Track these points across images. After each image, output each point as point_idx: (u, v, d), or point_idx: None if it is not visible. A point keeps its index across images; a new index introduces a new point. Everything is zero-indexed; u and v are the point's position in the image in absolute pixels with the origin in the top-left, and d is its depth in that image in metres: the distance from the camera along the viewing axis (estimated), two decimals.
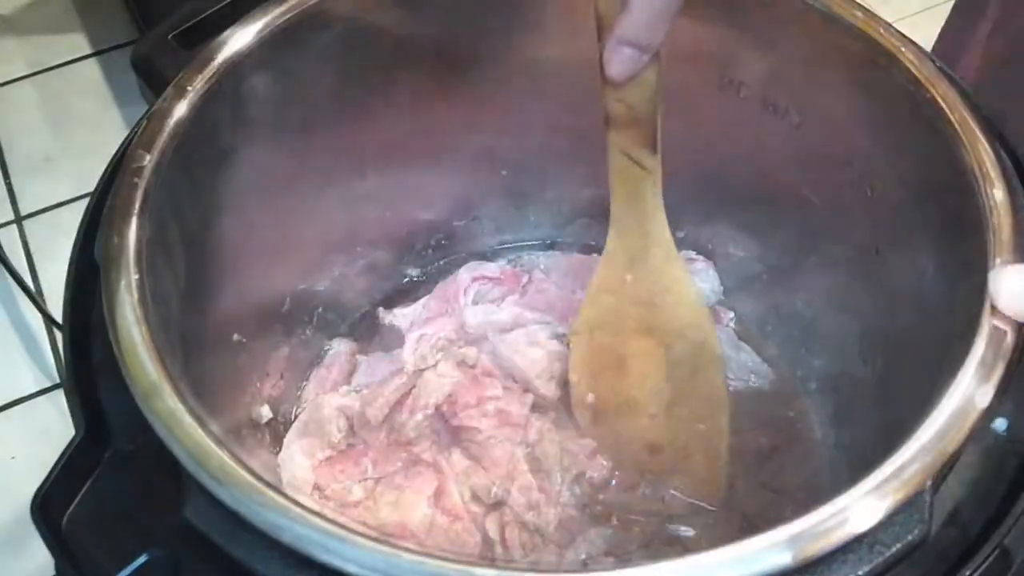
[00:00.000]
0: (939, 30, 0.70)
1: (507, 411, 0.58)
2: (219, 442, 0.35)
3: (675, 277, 0.54)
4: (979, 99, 0.45)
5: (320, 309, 0.64)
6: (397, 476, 0.58)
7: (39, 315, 0.79)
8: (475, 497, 0.56)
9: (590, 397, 0.57)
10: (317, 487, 0.58)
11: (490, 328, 0.64)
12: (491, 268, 0.67)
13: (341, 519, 0.33)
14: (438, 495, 0.56)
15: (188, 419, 0.36)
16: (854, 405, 0.57)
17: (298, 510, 0.33)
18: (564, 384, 0.60)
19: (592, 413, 0.58)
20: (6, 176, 0.91)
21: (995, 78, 0.62)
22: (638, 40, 0.42)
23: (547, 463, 0.57)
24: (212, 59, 0.47)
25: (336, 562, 0.32)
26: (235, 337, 0.54)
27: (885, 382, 0.52)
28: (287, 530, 0.33)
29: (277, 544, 0.33)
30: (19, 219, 0.88)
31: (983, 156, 0.42)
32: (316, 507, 0.34)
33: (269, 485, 0.34)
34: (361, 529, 0.33)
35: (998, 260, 0.39)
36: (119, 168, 0.44)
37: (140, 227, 0.41)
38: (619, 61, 0.43)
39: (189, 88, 0.46)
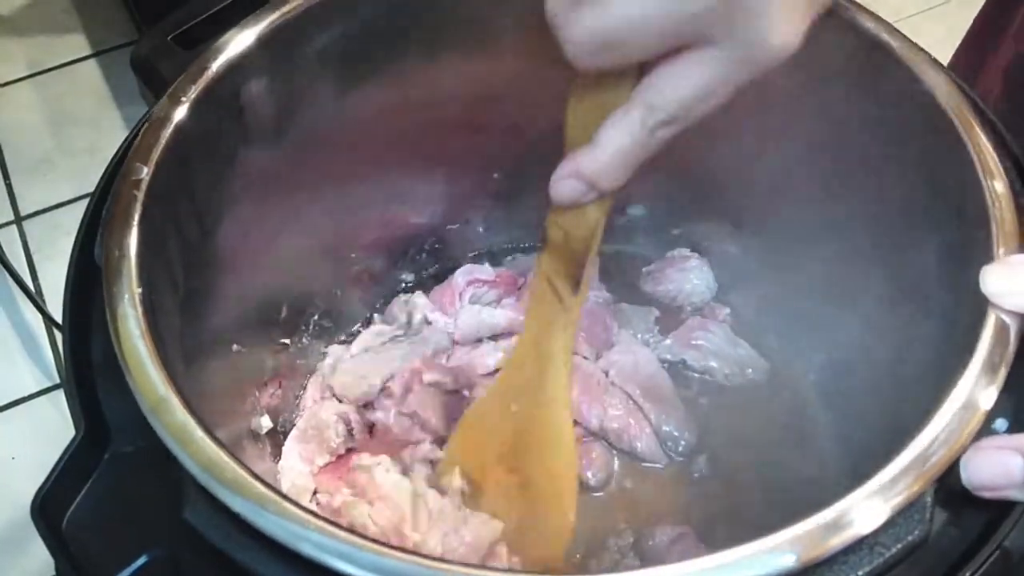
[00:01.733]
0: (951, 51, 0.70)
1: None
2: (231, 454, 0.35)
3: (557, 426, 0.50)
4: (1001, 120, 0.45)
5: (316, 316, 0.64)
6: None
7: (39, 315, 0.80)
8: None
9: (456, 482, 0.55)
10: (317, 494, 0.58)
11: (484, 330, 0.64)
12: (486, 271, 0.67)
13: (356, 528, 0.33)
14: None
15: (199, 432, 0.36)
16: (854, 399, 0.57)
17: (315, 519, 0.33)
18: None
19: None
20: (6, 176, 0.91)
21: (1017, 100, 0.62)
22: (593, 179, 0.38)
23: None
24: (206, 67, 0.47)
25: (352, 570, 0.32)
26: (234, 347, 0.54)
27: (886, 376, 0.52)
28: (305, 539, 0.33)
29: (278, 547, 0.33)
30: (19, 219, 0.88)
31: (983, 149, 0.43)
32: (326, 516, 0.34)
33: (283, 495, 0.34)
34: (376, 538, 0.33)
35: (1001, 251, 0.39)
36: (117, 176, 0.44)
37: (140, 239, 0.41)
38: (566, 188, 0.39)
39: (183, 98, 0.46)
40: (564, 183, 0.39)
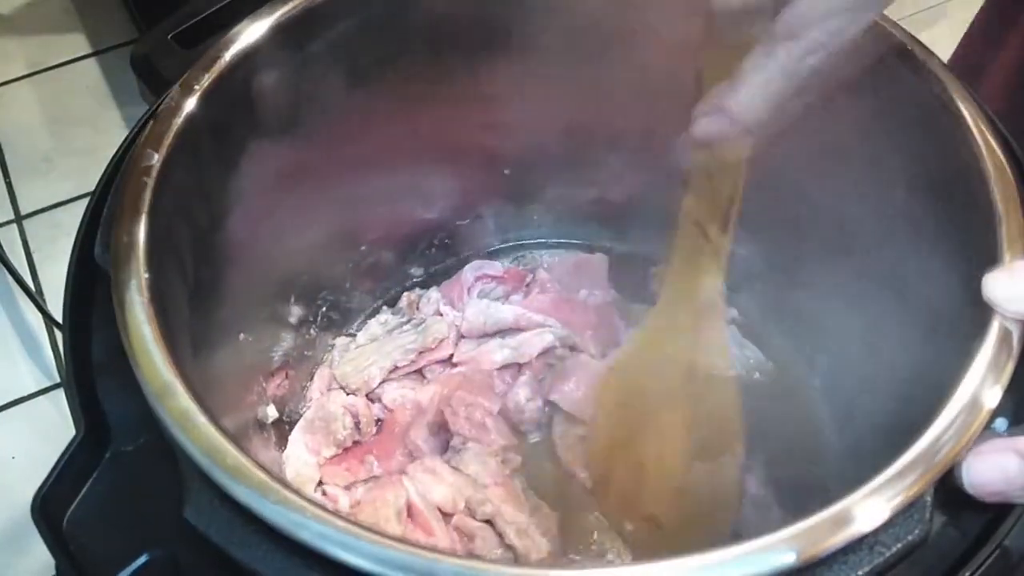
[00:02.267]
0: (952, 50, 0.70)
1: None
2: (233, 441, 0.35)
3: (718, 362, 0.50)
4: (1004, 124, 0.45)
5: (324, 308, 0.64)
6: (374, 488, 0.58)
7: (39, 315, 0.79)
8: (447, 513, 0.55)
9: (602, 452, 0.55)
10: (322, 484, 0.58)
11: (490, 325, 0.64)
12: (495, 267, 0.67)
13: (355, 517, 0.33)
14: (409, 509, 0.56)
15: (202, 419, 0.36)
16: (860, 401, 0.57)
17: (315, 508, 0.33)
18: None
19: (602, 468, 0.55)
20: (6, 176, 0.91)
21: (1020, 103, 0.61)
22: (738, 113, 0.38)
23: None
24: (218, 57, 0.47)
25: (352, 559, 0.32)
26: (241, 336, 0.54)
27: (891, 378, 0.52)
28: (305, 528, 0.33)
29: (279, 544, 0.33)
30: (19, 219, 0.88)
31: (989, 149, 0.42)
32: (330, 505, 0.34)
33: (284, 484, 0.34)
34: (377, 527, 0.33)
35: (1007, 255, 0.39)
36: (121, 168, 0.44)
37: (149, 226, 0.41)
38: (706, 125, 0.39)
39: (196, 87, 0.46)
40: (707, 119, 0.39)
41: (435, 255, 0.69)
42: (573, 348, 0.63)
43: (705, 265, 0.47)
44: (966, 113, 0.44)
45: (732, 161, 0.42)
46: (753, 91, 0.37)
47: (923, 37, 0.47)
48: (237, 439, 0.36)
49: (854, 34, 0.36)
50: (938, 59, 0.46)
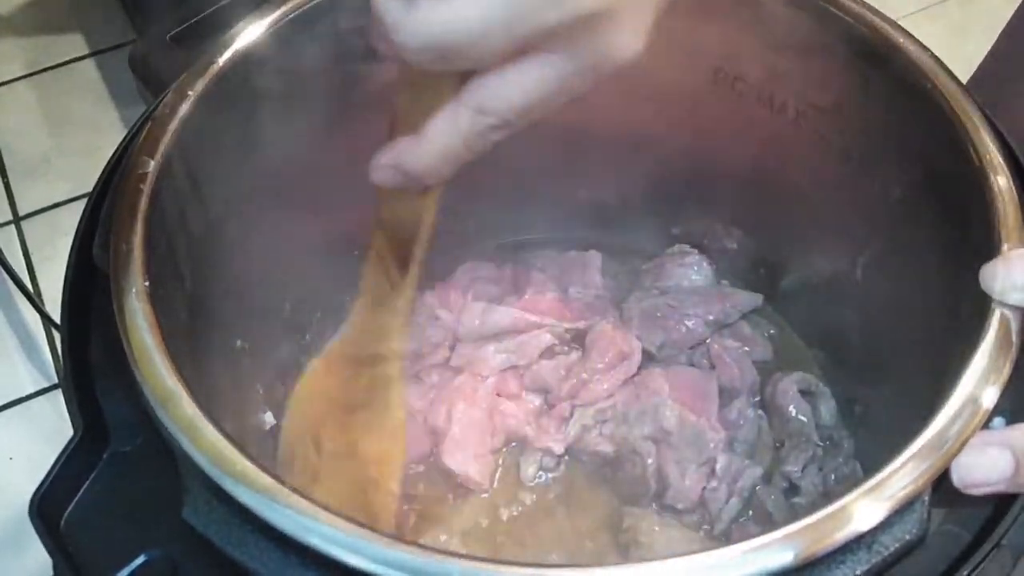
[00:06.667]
0: (950, 50, 0.69)
1: None
2: (240, 448, 0.35)
3: (386, 395, 0.49)
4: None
5: (319, 313, 0.64)
6: None
7: (37, 315, 0.80)
8: None
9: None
10: None
11: (487, 328, 0.64)
12: (488, 268, 0.67)
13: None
14: None
15: (208, 426, 0.36)
16: (855, 396, 0.57)
17: (325, 513, 0.33)
18: None
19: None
20: (4, 176, 0.91)
21: None
22: (414, 173, 0.37)
23: None
24: (213, 62, 0.47)
25: (361, 563, 0.32)
26: (238, 343, 0.54)
27: (888, 372, 0.52)
28: (315, 532, 0.33)
29: (277, 543, 0.34)
30: (17, 219, 0.88)
31: (985, 144, 0.43)
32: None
33: (293, 489, 0.34)
34: (386, 531, 0.33)
35: (1006, 246, 0.39)
36: (118, 170, 0.44)
37: (146, 234, 0.41)
38: (383, 175, 0.38)
39: (190, 92, 0.46)
40: (385, 171, 0.38)
41: (427, 257, 0.69)
42: (574, 340, 0.63)
43: (388, 304, 0.46)
44: (961, 108, 0.44)
45: (415, 209, 0.41)
46: (433, 153, 0.36)
47: (922, 36, 0.48)
48: (243, 446, 0.35)
49: (545, 114, 0.34)
50: (933, 55, 0.47)
